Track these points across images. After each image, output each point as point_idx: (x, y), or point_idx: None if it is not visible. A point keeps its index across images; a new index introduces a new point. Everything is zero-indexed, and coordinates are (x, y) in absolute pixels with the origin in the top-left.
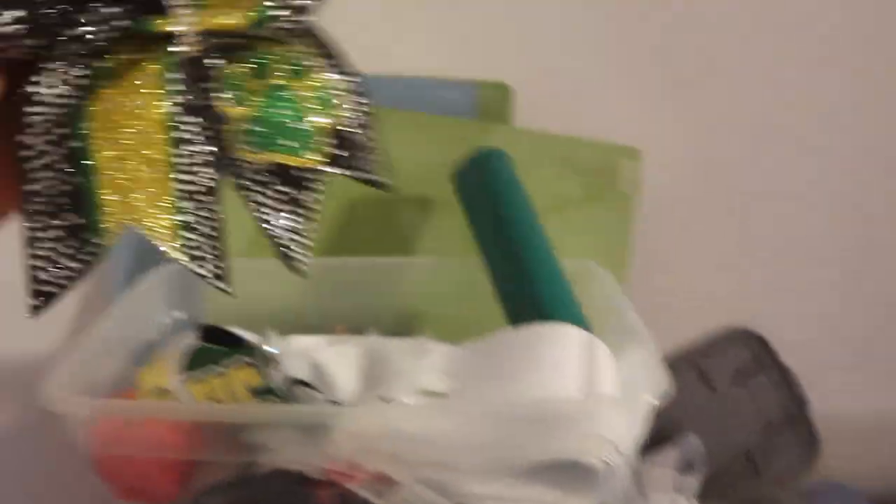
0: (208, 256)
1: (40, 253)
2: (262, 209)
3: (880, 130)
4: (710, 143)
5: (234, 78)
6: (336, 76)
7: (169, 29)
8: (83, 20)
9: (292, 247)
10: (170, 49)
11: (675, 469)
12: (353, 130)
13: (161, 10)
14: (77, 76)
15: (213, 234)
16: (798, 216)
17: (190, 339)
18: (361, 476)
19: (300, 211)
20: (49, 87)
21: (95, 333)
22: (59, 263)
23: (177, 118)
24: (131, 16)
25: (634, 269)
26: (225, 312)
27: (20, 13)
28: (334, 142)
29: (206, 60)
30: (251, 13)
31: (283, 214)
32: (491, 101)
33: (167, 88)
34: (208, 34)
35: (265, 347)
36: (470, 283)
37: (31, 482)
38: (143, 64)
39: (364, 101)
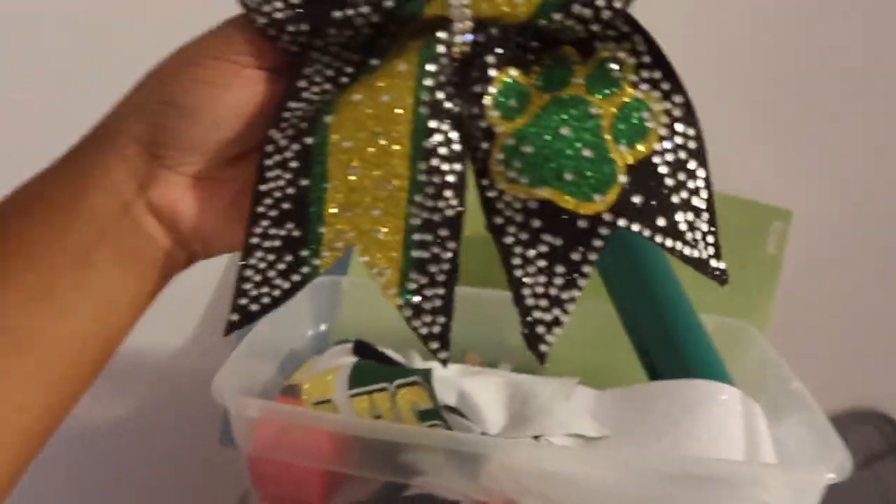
0: (430, 306)
1: (253, 263)
2: (514, 258)
3: None
4: (858, 207)
5: (514, 85)
6: (656, 93)
7: (438, 13)
8: (352, 2)
9: (538, 315)
10: (438, 37)
11: None
12: (664, 173)
13: None
14: (343, 75)
15: (443, 279)
16: None
17: (349, 354)
18: None
19: (563, 273)
20: (314, 84)
21: (252, 337)
22: (268, 278)
23: (428, 122)
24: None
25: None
26: (353, 329)
27: (296, 1)
28: (633, 184)
29: (477, 58)
30: (535, 6)
31: (541, 274)
32: None
33: (422, 84)
34: (485, 23)
35: (426, 369)
36: (601, 327)
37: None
38: (402, 54)
39: (692, 135)
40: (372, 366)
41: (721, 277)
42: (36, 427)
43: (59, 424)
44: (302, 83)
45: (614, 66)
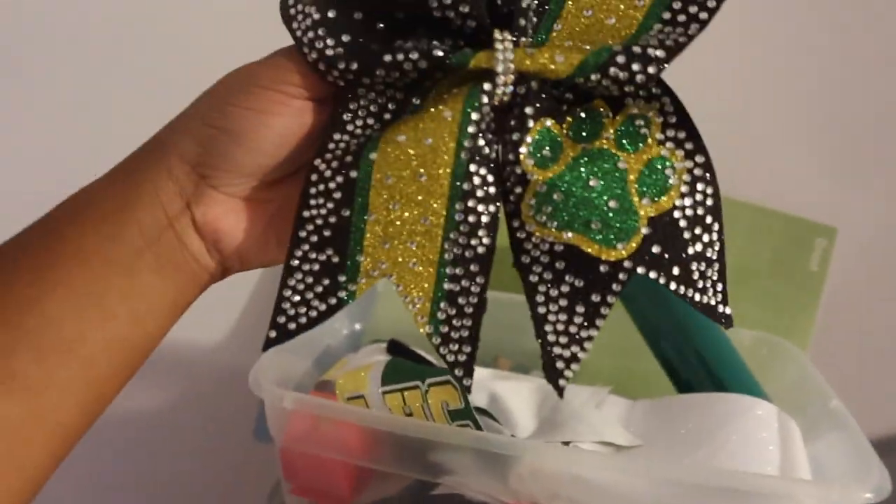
0: (457, 336)
1: (293, 284)
2: (538, 296)
3: None
4: None
5: (549, 134)
6: (680, 152)
7: (487, 66)
8: (402, 48)
9: (558, 351)
10: (483, 88)
11: None
12: (683, 227)
13: (484, 45)
14: (386, 111)
15: (471, 311)
16: None
17: (383, 353)
18: None
19: (583, 312)
20: (358, 118)
21: None
22: (306, 299)
23: (468, 167)
24: (451, 48)
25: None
26: (387, 329)
27: (346, 38)
28: (653, 235)
29: (517, 108)
30: (584, 57)
31: (562, 312)
32: None
33: (464, 131)
34: (528, 76)
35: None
36: (632, 336)
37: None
38: (447, 100)
39: (710, 193)
40: (405, 364)
41: (727, 322)
42: (72, 425)
43: (92, 423)
44: (346, 116)
45: (642, 123)
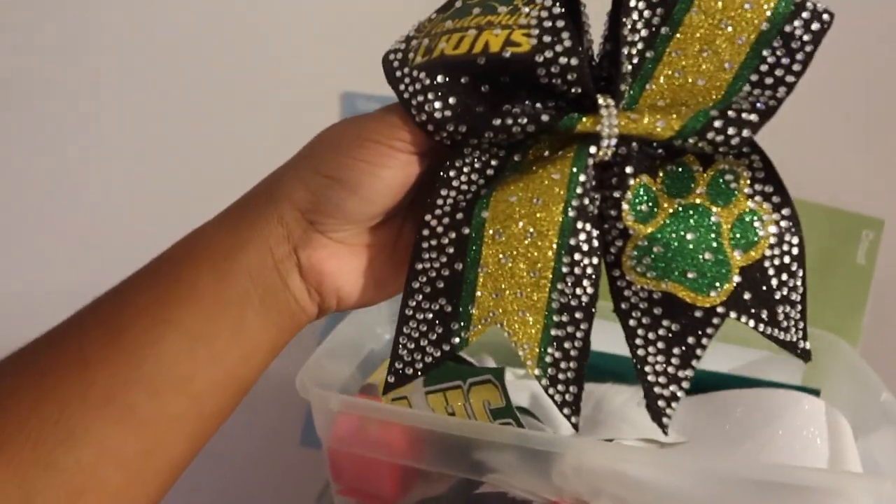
0: (563, 378)
1: (408, 332)
2: (637, 339)
3: None
4: None
5: (646, 190)
6: (768, 205)
7: (594, 129)
8: (510, 113)
9: (658, 391)
10: (588, 150)
11: None
12: (771, 274)
13: (585, 106)
14: (489, 167)
15: (576, 355)
16: None
17: None
18: None
19: (680, 354)
20: (463, 174)
21: (337, 336)
22: (421, 346)
23: (575, 224)
24: (558, 112)
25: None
26: None
27: (453, 101)
28: (744, 283)
29: (618, 167)
30: (684, 122)
31: (660, 354)
32: None
33: (572, 191)
34: (629, 138)
35: (498, 368)
36: None
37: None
38: (554, 161)
39: (796, 243)
40: (447, 365)
41: (806, 357)
42: (180, 458)
43: (196, 456)
44: (452, 173)
45: (731, 178)
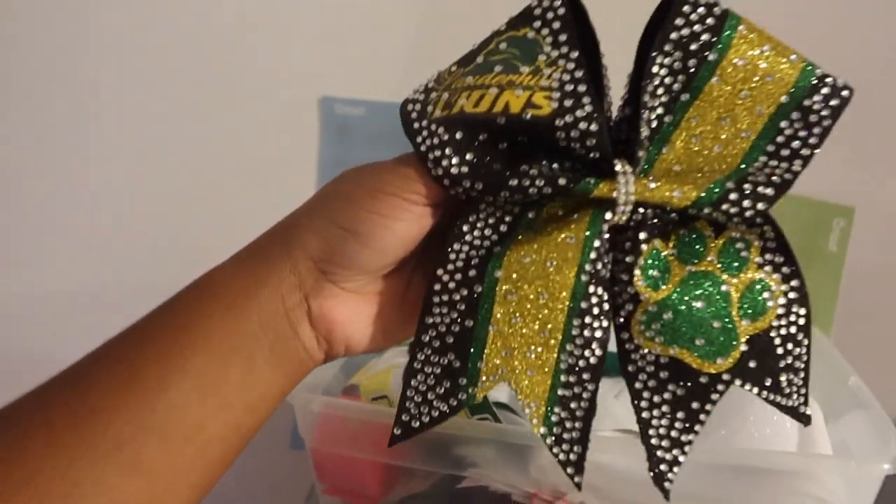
0: (568, 437)
1: (416, 384)
2: (643, 401)
3: None
4: None
5: (658, 256)
6: (778, 276)
7: (610, 195)
8: (527, 173)
9: (661, 455)
10: (604, 216)
11: None
12: (777, 344)
13: (606, 174)
14: (503, 223)
15: (581, 415)
16: None
17: (405, 356)
18: None
19: (684, 418)
20: (476, 229)
21: None
22: (428, 400)
23: (587, 288)
24: (575, 175)
25: (835, 330)
26: None
27: (470, 158)
28: (750, 351)
29: (631, 231)
30: (699, 192)
31: (664, 417)
32: None
33: (586, 256)
34: (644, 205)
35: None
36: None
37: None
38: (569, 224)
39: (803, 314)
40: None
41: (806, 421)
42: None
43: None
44: (465, 227)
45: (742, 246)
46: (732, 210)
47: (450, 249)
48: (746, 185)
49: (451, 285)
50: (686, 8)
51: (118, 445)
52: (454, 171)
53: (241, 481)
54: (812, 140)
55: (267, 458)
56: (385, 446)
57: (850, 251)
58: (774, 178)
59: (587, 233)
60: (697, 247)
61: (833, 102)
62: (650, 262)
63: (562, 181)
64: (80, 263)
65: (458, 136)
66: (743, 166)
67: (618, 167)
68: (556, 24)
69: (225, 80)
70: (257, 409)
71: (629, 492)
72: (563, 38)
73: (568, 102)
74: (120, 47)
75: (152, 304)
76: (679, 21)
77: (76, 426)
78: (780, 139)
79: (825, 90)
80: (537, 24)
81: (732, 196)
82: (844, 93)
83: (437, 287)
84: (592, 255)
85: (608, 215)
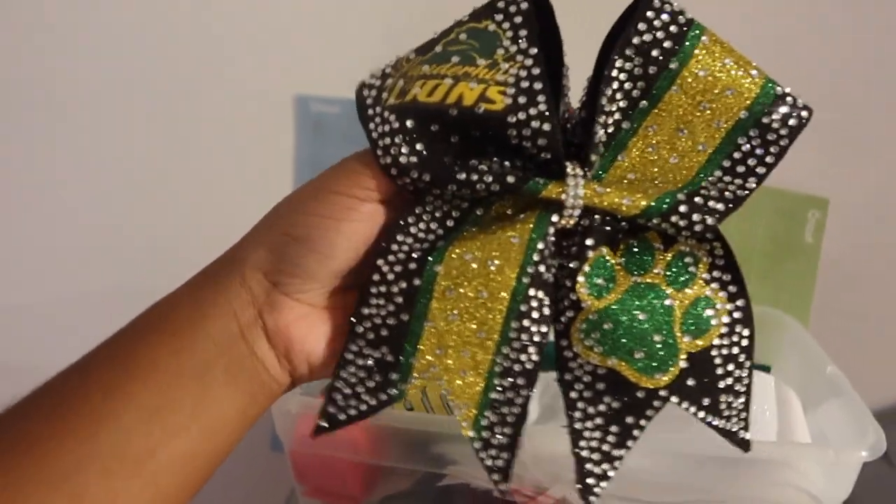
0: (497, 443)
1: (345, 376)
2: (576, 412)
3: None
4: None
5: (604, 264)
6: (724, 294)
7: (558, 197)
8: (476, 168)
9: (590, 468)
10: (550, 218)
11: None
12: (717, 363)
13: (553, 171)
14: (450, 218)
15: (512, 421)
16: None
17: None
18: (545, 501)
19: (617, 432)
20: (422, 222)
21: None
22: (357, 393)
23: (528, 290)
24: (525, 175)
25: (812, 320)
26: None
27: (420, 148)
28: (690, 369)
29: (578, 237)
30: (649, 202)
31: (597, 430)
32: None
33: (529, 257)
34: (594, 211)
35: None
36: None
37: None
38: (514, 223)
39: (746, 335)
40: None
41: (745, 447)
42: None
43: None
44: (411, 219)
45: (691, 261)
46: (682, 223)
47: (392, 240)
48: (698, 199)
49: (391, 277)
50: (650, 14)
51: (63, 476)
52: (403, 160)
53: (221, 484)
54: (768, 158)
55: (247, 461)
56: (366, 446)
57: (826, 242)
58: (727, 193)
59: (532, 234)
60: (645, 258)
61: (791, 122)
62: (595, 269)
63: (510, 179)
64: (46, 270)
65: (410, 125)
66: (697, 180)
67: (568, 169)
68: (518, 19)
69: (199, 79)
70: (216, 435)
71: (611, 485)
72: (523, 33)
73: (522, 99)
74: (90, 47)
75: (120, 306)
76: (642, 26)
77: (21, 457)
78: (736, 155)
79: (784, 109)
80: (499, 17)
81: (682, 208)
82: (804, 113)
83: (377, 278)
84: (536, 257)
85: (555, 217)
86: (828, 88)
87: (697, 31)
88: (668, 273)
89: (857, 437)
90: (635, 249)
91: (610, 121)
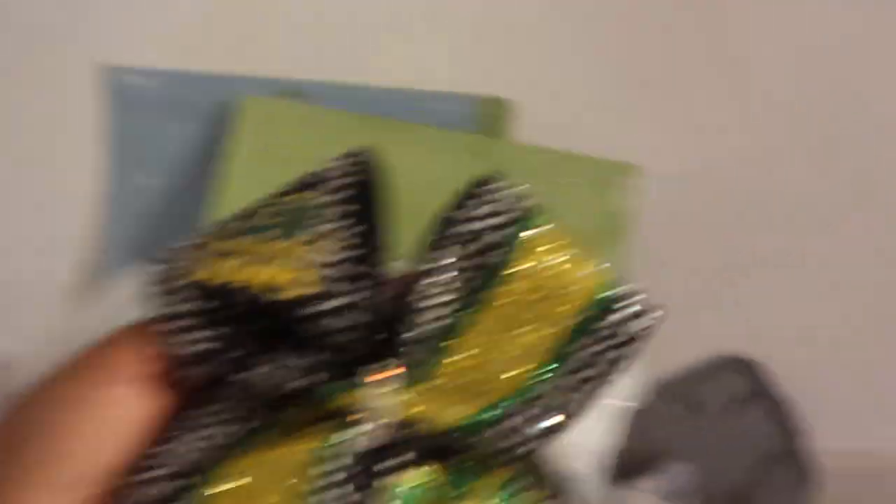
0: None
1: None
2: None
3: None
4: (709, 160)
5: (413, 489)
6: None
7: (353, 408)
8: (259, 363)
9: None
10: (345, 435)
11: (661, 497)
12: None
13: (352, 383)
14: (230, 423)
15: None
16: (802, 232)
17: None
18: None
19: None
20: (193, 432)
21: None
22: None
23: None
24: (315, 378)
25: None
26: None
27: (206, 338)
28: None
29: (379, 461)
30: (472, 412)
31: None
32: (489, 116)
33: (314, 483)
34: (402, 425)
35: None
36: None
37: None
38: (301, 437)
39: None
40: None
41: None
42: None
43: None
44: (175, 433)
45: (520, 482)
46: (501, 445)
47: (149, 457)
48: (518, 419)
49: (162, 491)
50: (487, 198)
51: None
52: (187, 347)
53: None
54: (604, 366)
55: None
56: None
57: (639, 208)
58: (564, 403)
59: (319, 454)
60: (460, 479)
61: (637, 324)
62: (400, 495)
63: (298, 383)
64: None
65: (195, 307)
66: (527, 388)
67: (372, 375)
68: (341, 195)
69: None
70: None
71: None
72: (348, 210)
73: (326, 288)
74: None
75: None
76: (477, 212)
77: None
78: (572, 362)
79: (631, 309)
80: (322, 190)
81: (514, 421)
82: (656, 313)
83: (148, 492)
84: (320, 482)
85: (350, 433)
86: (639, 50)
87: (537, 222)
88: (489, 495)
89: (619, 389)
90: (449, 472)
91: (431, 316)
